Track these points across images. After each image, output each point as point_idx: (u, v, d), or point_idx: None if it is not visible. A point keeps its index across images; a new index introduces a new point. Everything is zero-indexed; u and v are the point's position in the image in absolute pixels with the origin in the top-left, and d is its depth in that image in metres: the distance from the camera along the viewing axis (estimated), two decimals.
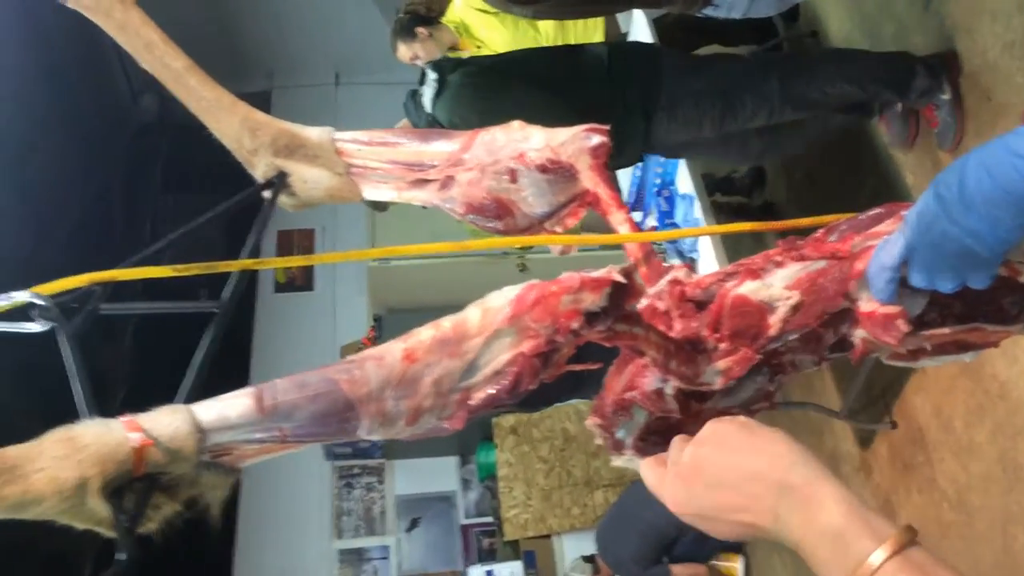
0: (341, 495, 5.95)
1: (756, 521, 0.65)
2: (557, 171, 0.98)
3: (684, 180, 3.06)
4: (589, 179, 0.97)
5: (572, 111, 2.01)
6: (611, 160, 2.22)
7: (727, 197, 4.11)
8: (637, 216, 3.35)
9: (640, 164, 3.21)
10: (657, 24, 3.44)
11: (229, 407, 0.65)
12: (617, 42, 3.04)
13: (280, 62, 7.29)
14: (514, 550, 5.23)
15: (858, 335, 0.82)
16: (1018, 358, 2.51)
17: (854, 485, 3.38)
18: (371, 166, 1.09)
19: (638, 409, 0.83)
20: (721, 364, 0.79)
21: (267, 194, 1.10)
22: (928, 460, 2.93)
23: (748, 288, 0.80)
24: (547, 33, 3.56)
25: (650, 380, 0.82)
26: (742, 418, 0.71)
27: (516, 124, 1.03)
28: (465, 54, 3.68)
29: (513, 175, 1.00)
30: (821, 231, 0.83)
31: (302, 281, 6.67)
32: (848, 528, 0.60)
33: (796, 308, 0.80)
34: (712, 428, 0.68)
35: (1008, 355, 2.56)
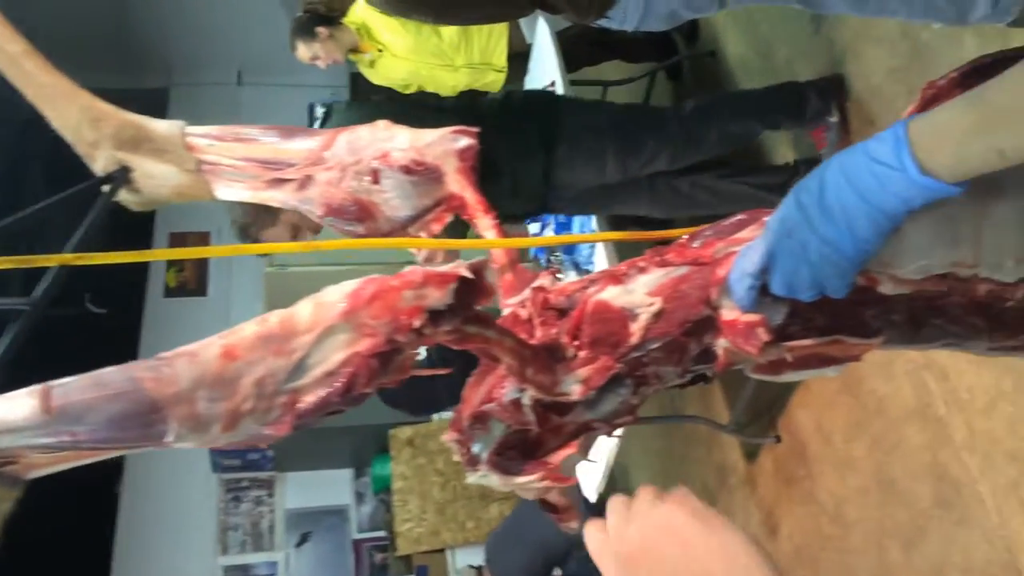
0: (227, 509, 5.73)
1: None
2: (422, 173, 0.94)
3: None
4: (456, 182, 0.93)
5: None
6: (508, 203, 2.16)
7: None
8: (534, 226, 3.34)
9: None
10: (560, 37, 3.44)
11: (9, 408, 0.58)
12: (514, 88, 3.06)
13: (179, 58, 7.04)
14: (407, 565, 5.12)
15: (720, 345, 0.79)
16: (895, 375, 2.59)
17: (740, 498, 3.43)
18: (224, 163, 1.01)
19: (496, 422, 0.79)
20: (580, 373, 0.76)
21: (107, 189, 1.01)
22: (809, 474, 2.99)
23: (609, 294, 0.77)
24: (450, 40, 3.52)
25: (508, 390, 0.77)
26: (697, 504, 0.64)
27: (382, 123, 0.99)
28: (367, 57, 3.61)
29: (376, 176, 0.95)
30: (685, 236, 0.80)
31: (194, 285, 6.42)
32: None
33: (658, 315, 0.77)
34: (664, 513, 0.62)
35: (885, 372, 2.64)
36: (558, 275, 2.88)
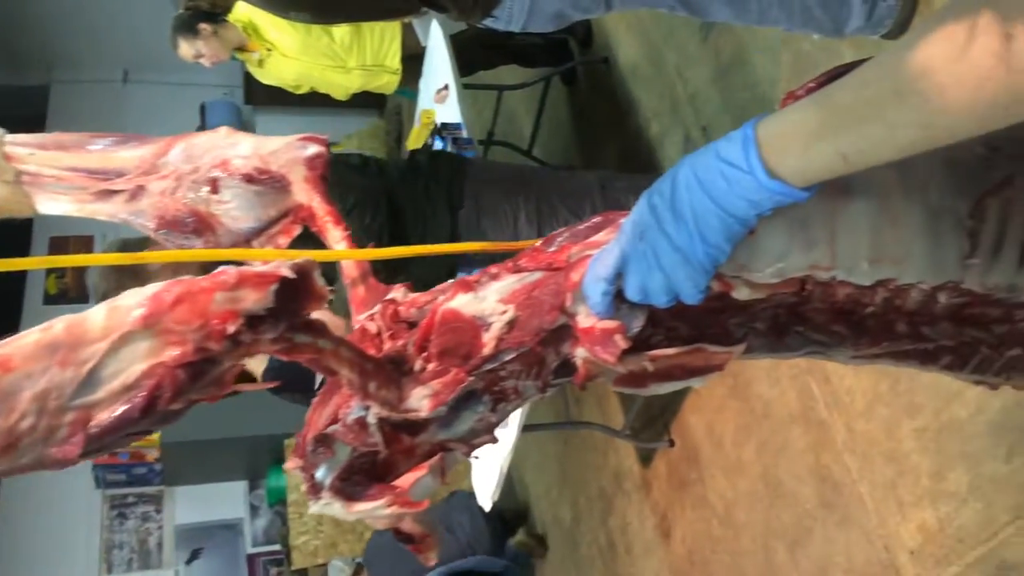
0: (112, 527, 5.47)
1: None
2: (267, 182, 0.87)
3: None
4: (303, 192, 0.86)
5: (374, 218, 1.91)
6: (417, 268, 2.07)
7: None
8: None
9: None
10: (455, 40, 3.40)
11: None
12: (420, 148, 2.98)
13: (61, 55, 6.72)
14: None
15: (579, 355, 0.76)
16: (780, 379, 2.64)
17: (635, 502, 3.45)
18: (47, 174, 0.92)
19: (341, 445, 0.73)
20: (429, 386, 0.71)
21: None
22: (701, 477, 3.02)
23: (459, 302, 0.72)
24: (342, 40, 3.43)
25: (353, 409, 0.72)
26: None
27: (224, 129, 0.91)
28: (255, 56, 3.49)
29: (215, 185, 0.88)
30: (541, 241, 0.76)
31: (76, 293, 6.12)
32: None
33: (511, 324, 0.73)
34: None
35: (771, 376, 2.69)
36: None
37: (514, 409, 0.79)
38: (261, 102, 6.70)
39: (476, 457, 0.82)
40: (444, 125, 3.12)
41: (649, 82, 3.25)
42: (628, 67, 3.41)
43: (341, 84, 3.52)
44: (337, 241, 0.85)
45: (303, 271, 0.61)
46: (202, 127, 6.66)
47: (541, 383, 0.79)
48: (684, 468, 3.13)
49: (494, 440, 0.78)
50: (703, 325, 0.83)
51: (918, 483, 2.17)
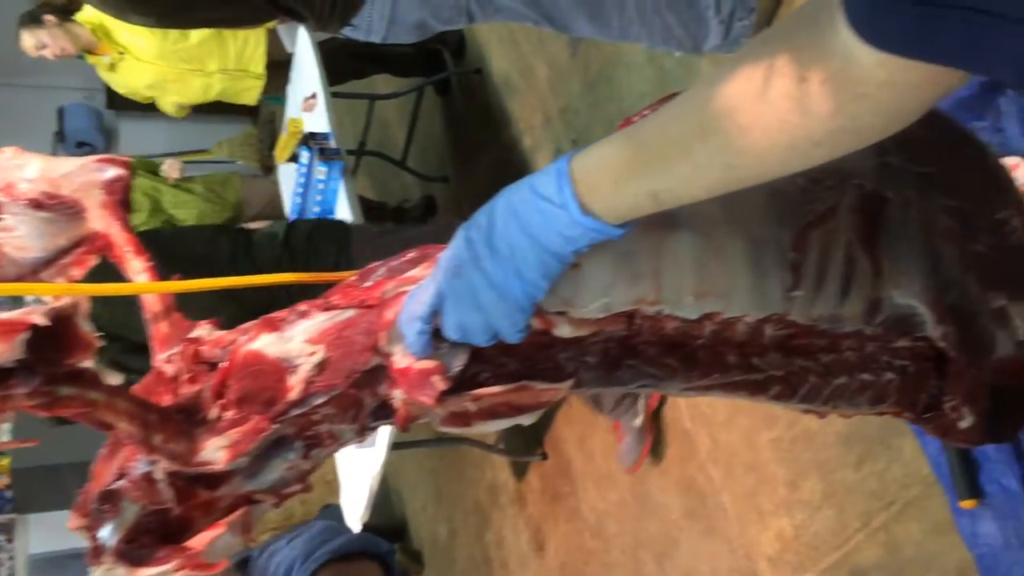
0: None
1: None
2: (57, 208, 0.79)
3: (343, 209, 2.93)
4: (100, 219, 0.78)
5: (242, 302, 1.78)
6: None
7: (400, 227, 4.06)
8: None
9: (300, 192, 3.03)
10: (324, 47, 3.31)
11: None
12: (296, 220, 2.85)
13: None
14: None
15: (397, 396, 0.71)
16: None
17: (510, 516, 3.42)
18: None
19: (128, 503, 0.66)
20: (226, 437, 0.65)
21: None
22: (573, 490, 3.03)
23: (262, 343, 0.67)
24: (201, 42, 3.29)
25: (139, 463, 0.65)
26: None
27: (9, 150, 0.83)
28: (105, 60, 3.30)
29: None
30: (355, 275, 0.72)
31: None
32: None
33: (321, 366, 0.67)
34: None
35: None
36: None
37: (329, 455, 0.74)
38: (124, 107, 6.35)
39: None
40: (312, 135, 3.03)
41: (521, 94, 3.25)
42: (501, 79, 3.39)
43: (200, 88, 3.37)
44: (138, 272, 0.77)
45: (61, 317, 0.54)
46: (60, 132, 6.28)
47: (359, 426, 0.73)
48: (557, 481, 3.13)
49: (307, 489, 0.72)
50: (533, 360, 0.79)
51: (776, 492, 2.22)
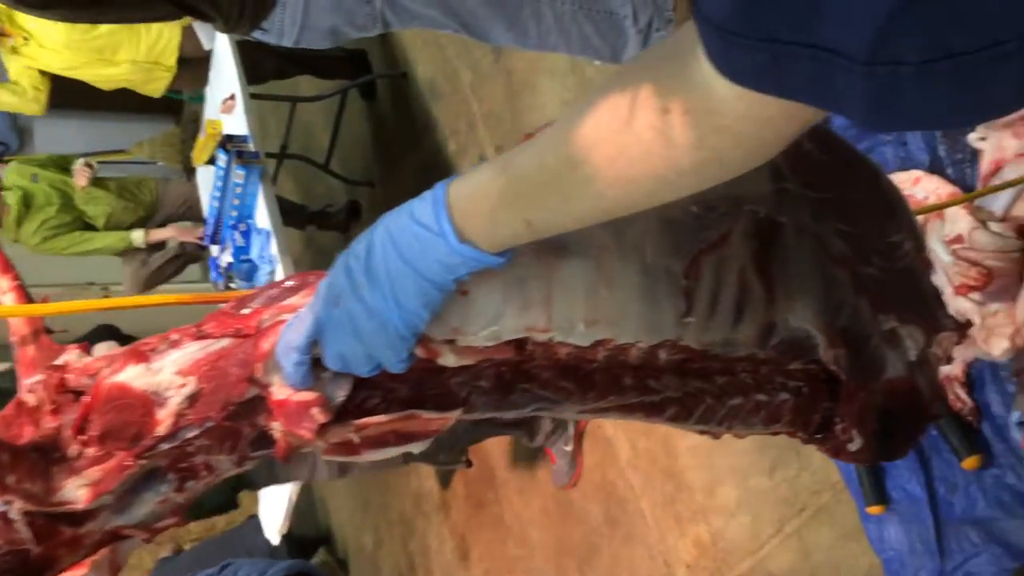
0: None
1: None
2: None
3: (262, 214, 2.87)
4: None
5: None
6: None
7: (324, 231, 3.99)
8: (214, 249, 3.09)
9: (218, 195, 2.95)
10: (244, 46, 3.23)
11: None
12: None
13: None
14: None
15: (277, 428, 0.68)
16: None
17: (435, 524, 3.40)
18: None
19: None
20: (87, 475, 0.61)
21: None
22: (497, 498, 3.01)
23: (128, 375, 0.63)
24: (110, 32, 3.18)
25: None
26: None
27: None
28: (8, 42, 3.17)
29: None
30: (231, 303, 0.68)
31: None
32: None
33: (193, 398, 0.64)
34: None
35: None
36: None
37: (206, 487, 0.70)
38: None
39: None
40: (230, 137, 2.95)
41: (446, 99, 3.22)
42: (426, 83, 3.36)
43: (108, 76, 3.27)
44: (3, 292, 0.73)
45: None
46: None
47: (237, 457, 0.70)
48: (481, 489, 3.11)
49: (181, 523, 0.69)
50: (424, 385, 0.77)
51: (693, 498, 2.24)
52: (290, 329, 0.65)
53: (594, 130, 0.51)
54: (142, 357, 0.64)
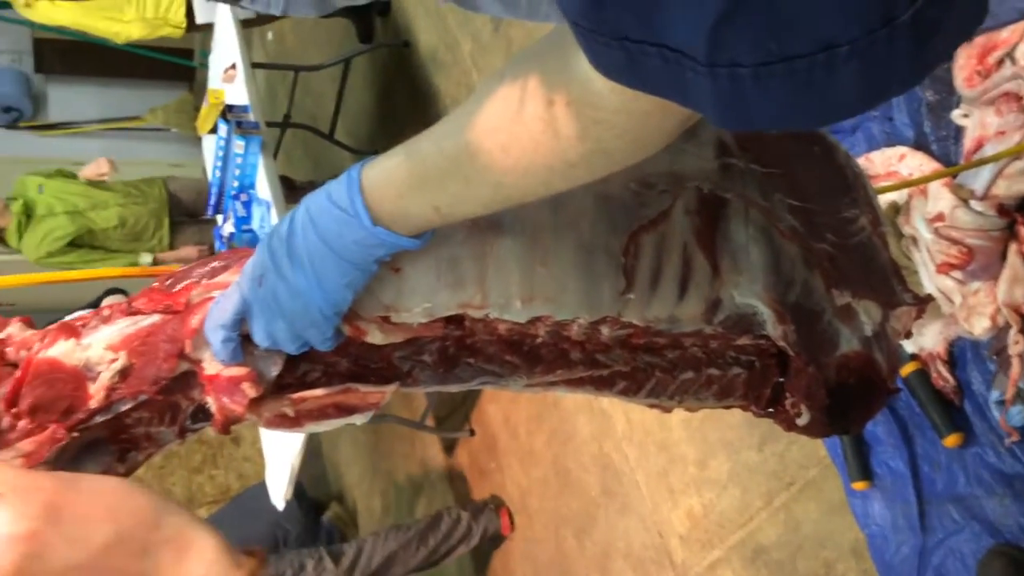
0: None
1: None
2: None
3: (263, 185, 2.88)
4: None
5: None
6: None
7: None
8: (217, 219, 3.11)
9: (219, 165, 2.96)
10: (247, 26, 3.23)
11: None
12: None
13: None
14: None
15: (211, 402, 0.69)
16: None
17: (440, 491, 3.43)
18: None
19: None
20: (20, 447, 0.63)
21: None
22: (499, 466, 3.04)
23: (59, 350, 0.64)
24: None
25: None
26: (64, 475, 0.55)
27: None
28: None
29: None
30: (163, 278, 0.69)
31: None
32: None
33: (123, 373, 0.65)
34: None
35: None
36: None
37: (147, 458, 0.72)
38: (54, 71, 6.16)
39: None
40: (230, 107, 2.96)
41: (447, 68, 3.21)
42: (428, 52, 3.35)
43: (118, 33, 3.28)
44: None
45: None
46: None
47: (178, 428, 0.72)
48: (484, 457, 3.14)
49: None
50: (365, 359, 0.78)
51: (686, 471, 2.25)
52: (217, 307, 0.65)
53: (488, 119, 0.51)
54: (73, 332, 0.65)
